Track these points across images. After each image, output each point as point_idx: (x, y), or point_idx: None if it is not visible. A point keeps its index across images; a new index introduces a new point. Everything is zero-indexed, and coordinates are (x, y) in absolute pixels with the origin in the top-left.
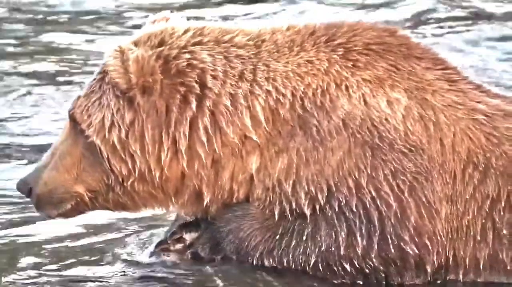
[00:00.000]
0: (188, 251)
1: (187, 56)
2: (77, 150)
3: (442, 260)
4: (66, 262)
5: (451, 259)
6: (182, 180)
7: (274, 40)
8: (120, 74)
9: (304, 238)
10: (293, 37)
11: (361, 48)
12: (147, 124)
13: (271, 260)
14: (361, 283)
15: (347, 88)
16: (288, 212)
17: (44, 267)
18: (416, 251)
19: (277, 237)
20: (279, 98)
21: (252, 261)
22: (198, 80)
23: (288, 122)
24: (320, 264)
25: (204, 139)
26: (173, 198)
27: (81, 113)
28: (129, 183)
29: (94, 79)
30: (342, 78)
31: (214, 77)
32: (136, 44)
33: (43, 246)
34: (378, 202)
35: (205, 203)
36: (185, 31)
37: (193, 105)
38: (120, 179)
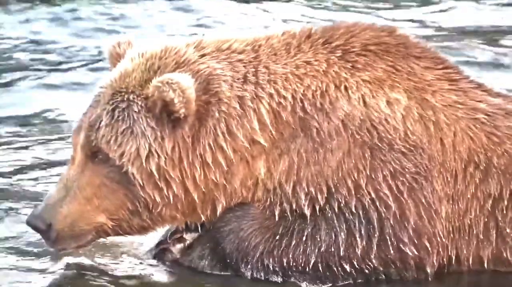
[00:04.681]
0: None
1: (203, 66)
2: (97, 180)
3: (444, 259)
4: (64, 261)
5: (453, 259)
6: (205, 196)
7: (270, 44)
8: (182, 104)
9: (304, 238)
10: (289, 41)
11: (359, 49)
12: (188, 149)
13: (271, 260)
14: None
15: (346, 89)
16: (288, 213)
17: (40, 267)
18: (416, 252)
19: (277, 237)
20: (281, 101)
21: (252, 261)
22: (217, 88)
23: (290, 124)
24: (319, 264)
25: (223, 144)
26: (196, 215)
27: (108, 143)
28: (158, 209)
29: (116, 108)
30: (341, 79)
31: (225, 82)
32: (161, 70)
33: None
34: (377, 203)
35: (218, 212)
36: (187, 46)
37: (216, 112)
38: (150, 206)
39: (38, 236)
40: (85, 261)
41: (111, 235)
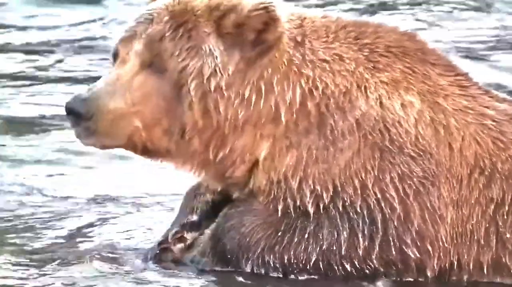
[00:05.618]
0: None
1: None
2: (146, 89)
3: (446, 264)
4: (63, 259)
5: (455, 264)
6: (219, 137)
7: (312, 20)
8: (280, 27)
9: (306, 236)
10: (328, 24)
11: (383, 50)
12: (239, 78)
13: (272, 257)
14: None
15: (365, 89)
16: (291, 209)
17: (38, 268)
18: (418, 255)
19: (279, 233)
20: (313, 90)
21: (253, 257)
22: (280, 34)
23: (309, 118)
24: (321, 263)
25: (254, 94)
26: (206, 160)
27: (171, 56)
28: (190, 136)
29: (181, 27)
30: (364, 79)
31: (283, 32)
32: None
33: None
34: (383, 204)
35: (210, 159)
36: None
37: (268, 56)
38: (186, 129)
39: None
40: (84, 260)
41: (137, 150)
